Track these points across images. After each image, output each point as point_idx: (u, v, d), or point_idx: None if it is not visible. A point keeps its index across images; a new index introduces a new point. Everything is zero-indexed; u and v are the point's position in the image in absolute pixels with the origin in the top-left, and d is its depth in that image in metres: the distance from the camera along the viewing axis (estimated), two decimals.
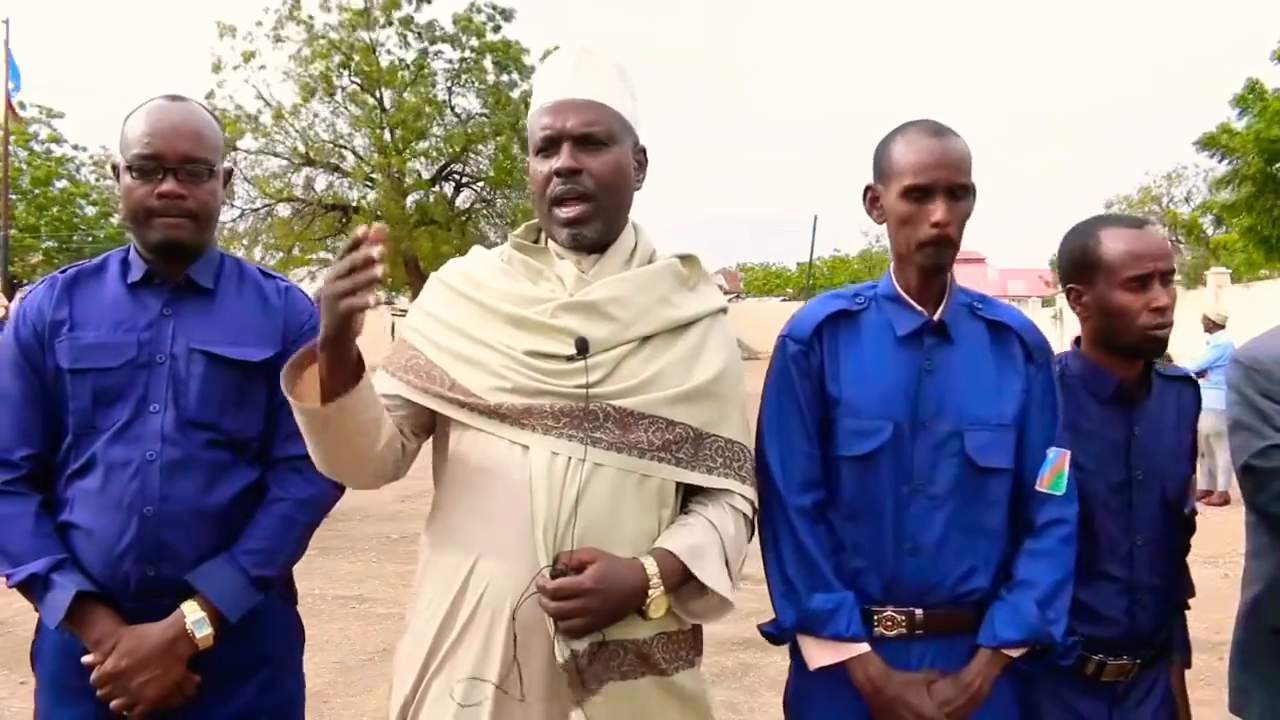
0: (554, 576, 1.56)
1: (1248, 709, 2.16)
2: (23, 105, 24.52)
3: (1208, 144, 19.86)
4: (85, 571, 1.81)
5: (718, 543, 1.70)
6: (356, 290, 1.41)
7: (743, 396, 1.83)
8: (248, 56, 24.86)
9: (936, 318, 1.93)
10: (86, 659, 1.78)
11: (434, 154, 26.95)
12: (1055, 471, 1.92)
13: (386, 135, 26.07)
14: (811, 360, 1.94)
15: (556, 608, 1.55)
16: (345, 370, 1.51)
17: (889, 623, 1.88)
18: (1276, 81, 19.62)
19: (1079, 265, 2.08)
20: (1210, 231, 25.50)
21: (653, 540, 1.67)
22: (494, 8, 26.10)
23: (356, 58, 25.34)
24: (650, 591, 1.60)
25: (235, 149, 24.31)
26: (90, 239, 30.08)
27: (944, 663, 1.88)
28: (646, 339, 1.72)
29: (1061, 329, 28.40)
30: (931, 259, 1.88)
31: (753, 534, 1.86)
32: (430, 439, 1.81)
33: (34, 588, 1.81)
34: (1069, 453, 1.93)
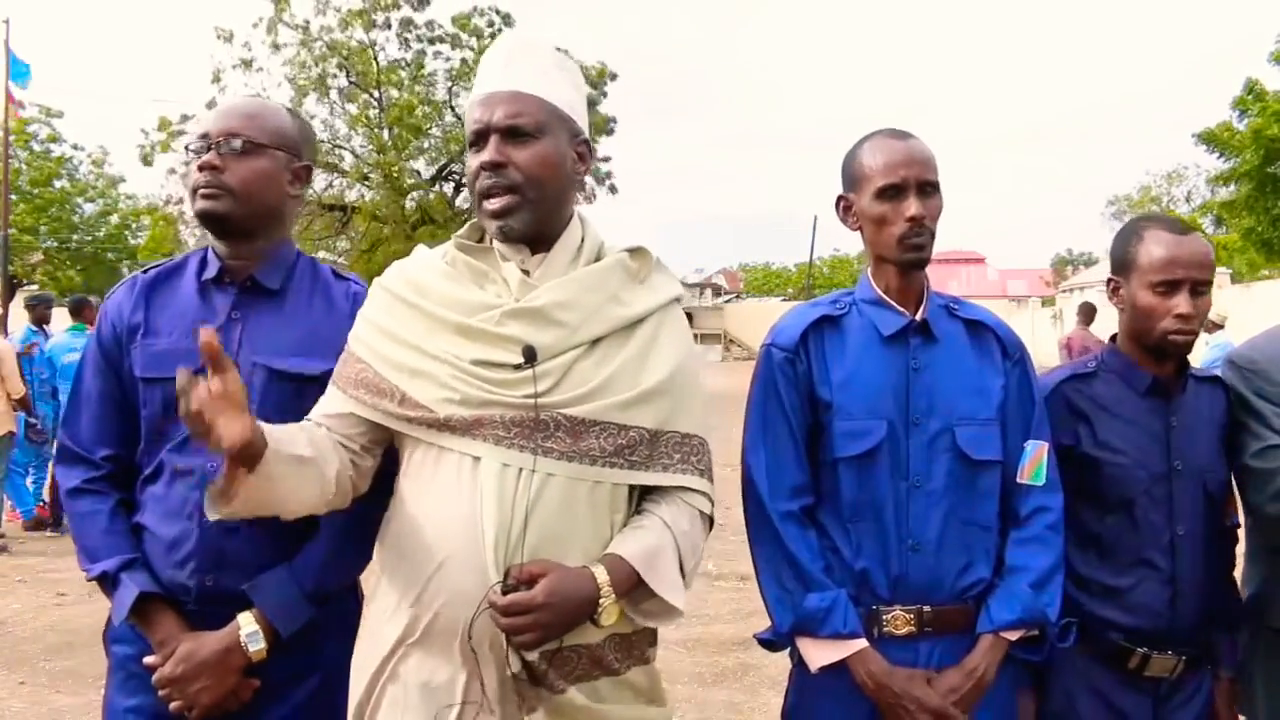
0: (505, 591, 1.54)
1: (1251, 709, 2.16)
2: (22, 105, 24.51)
3: (1208, 139, 19.85)
4: (154, 573, 1.86)
5: (672, 543, 1.67)
6: (209, 436, 1.42)
7: (699, 386, 1.80)
8: (246, 62, 24.87)
9: (918, 318, 1.97)
10: (148, 660, 1.83)
11: (433, 154, 26.96)
12: (1035, 463, 1.97)
13: (385, 135, 26.09)
14: (798, 367, 1.96)
15: (508, 624, 1.53)
16: (244, 464, 1.51)
17: (898, 621, 1.89)
18: (1275, 83, 19.62)
19: (1120, 260, 2.12)
20: (1210, 232, 25.51)
21: (606, 546, 1.64)
22: (496, 11, 26.12)
23: (353, 59, 25.34)
24: (601, 600, 1.57)
25: None
26: (90, 239, 30.12)
27: (951, 660, 1.91)
28: (597, 341, 1.68)
29: (1060, 328, 28.44)
30: (912, 253, 1.92)
31: (711, 528, 1.82)
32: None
33: (105, 584, 1.87)
34: (1047, 444, 1.98)
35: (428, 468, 1.66)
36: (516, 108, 1.67)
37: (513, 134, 1.67)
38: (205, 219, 1.93)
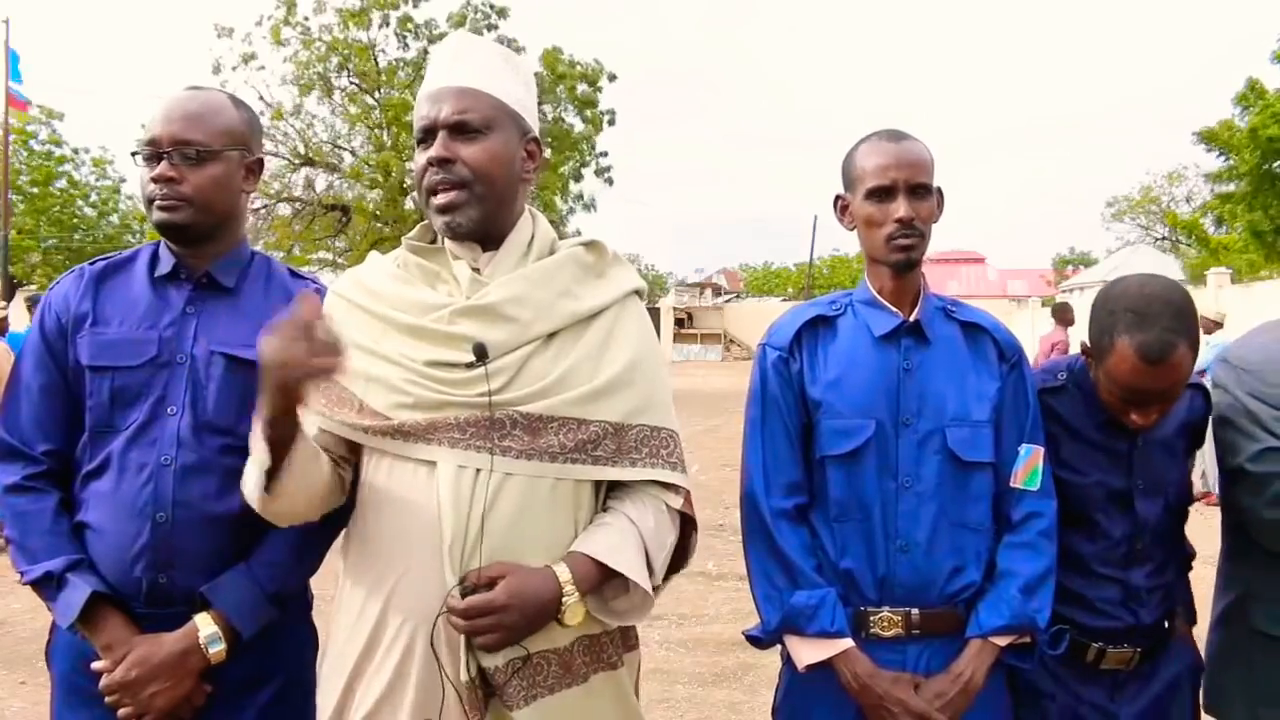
0: (465, 595, 1.52)
1: (1225, 709, 2.14)
2: (29, 104, 24.49)
3: (1207, 138, 19.87)
4: (99, 574, 1.79)
5: (637, 538, 1.64)
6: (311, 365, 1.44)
7: (664, 377, 1.78)
8: (246, 58, 24.87)
9: (912, 319, 1.97)
10: (97, 665, 1.76)
11: None
12: (1029, 467, 1.97)
13: (385, 135, 26.09)
14: (791, 367, 1.98)
15: (468, 626, 1.51)
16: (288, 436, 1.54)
17: (885, 623, 1.90)
18: (1276, 82, 19.66)
19: (1095, 344, 1.97)
20: (1211, 232, 25.48)
21: (569, 545, 1.62)
22: (490, 6, 26.16)
23: (354, 58, 25.36)
24: (565, 599, 1.55)
25: None
26: (90, 239, 30.09)
27: (939, 664, 1.90)
28: (551, 336, 1.66)
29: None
30: (900, 254, 1.93)
31: (688, 524, 1.78)
32: None
33: (48, 587, 1.77)
34: (1042, 449, 1.98)
35: (382, 475, 1.65)
36: (464, 103, 1.67)
37: (460, 130, 1.66)
38: (165, 230, 1.89)
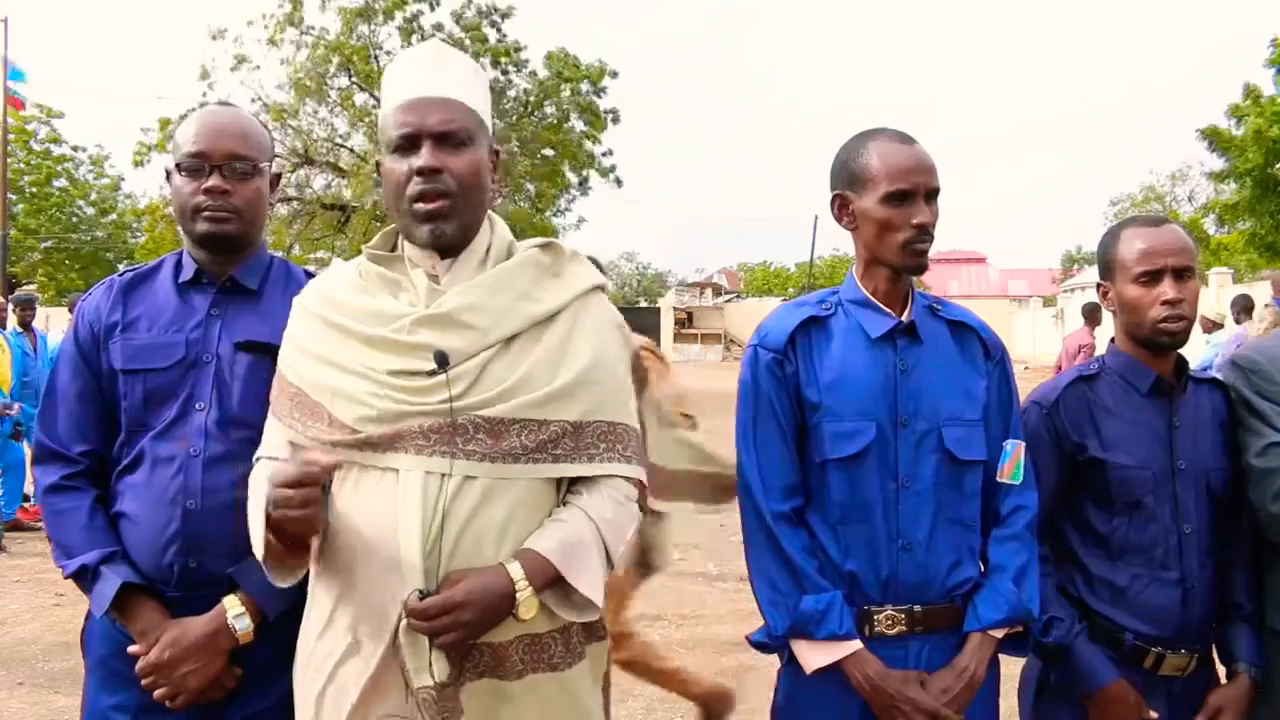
0: (424, 598, 1.56)
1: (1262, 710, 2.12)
2: (22, 105, 24.48)
3: (1211, 135, 19.86)
4: (133, 563, 1.89)
5: (593, 533, 1.66)
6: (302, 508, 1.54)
7: (624, 373, 1.80)
8: (240, 59, 24.82)
9: (905, 319, 1.98)
10: (133, 649, 1.85)
11: None
12: (1014, 462, 2.01)
13: None
14: (786, 368, 1.97)
15: (429, 626, 1.54)
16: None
17: (889, 621, 1.91)
18: (1269, 87, 19.61)
19: (1104, 263, 2.18)
20: (1212, 232, 25.49)
21: None
22: (492, 8, 26.15)
23: (355, 59, 25.33)
24: (518, 593, 1.58)
25: None
26: (89, 239, 30.17)
27: (940, 657, 1.93)
28: (511, 340, 1.68)
29: (1062, 327, 28.40)
30: (915, 259, 1.95)
31: (644, 512, 1.81)
32: None
33: (84, 579, 1.89)
34: (1024, 443, 2.03)
35: (349, 485, 1.66)
36: (449, 114, 1.69)
37: (445, 140, 1.68)
38: (213, 240, 1.97)
